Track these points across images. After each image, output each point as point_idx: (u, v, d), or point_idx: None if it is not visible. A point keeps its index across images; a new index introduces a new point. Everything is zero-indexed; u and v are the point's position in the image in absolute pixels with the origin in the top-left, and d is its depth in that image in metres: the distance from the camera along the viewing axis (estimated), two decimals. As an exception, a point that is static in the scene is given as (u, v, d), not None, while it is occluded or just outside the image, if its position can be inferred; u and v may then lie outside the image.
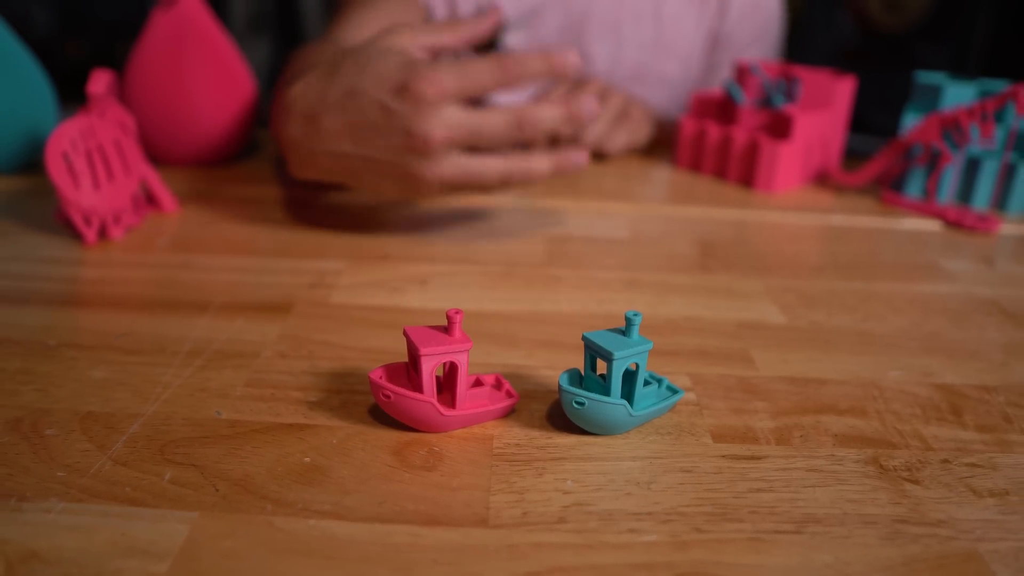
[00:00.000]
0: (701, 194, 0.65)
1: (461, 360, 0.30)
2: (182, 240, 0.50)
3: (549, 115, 0.44)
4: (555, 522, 0.26)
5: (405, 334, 0.30)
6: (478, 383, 0.32)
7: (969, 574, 0.24)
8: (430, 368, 0.29)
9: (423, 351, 0.29)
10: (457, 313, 0.29)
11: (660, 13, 0.89)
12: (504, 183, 0.46)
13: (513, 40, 0.87)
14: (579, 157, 0.48)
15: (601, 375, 0.31)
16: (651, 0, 0.89)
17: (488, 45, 0.88)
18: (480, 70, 0.43)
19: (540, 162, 0.46)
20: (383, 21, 0.75)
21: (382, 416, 0.31)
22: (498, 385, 0.33)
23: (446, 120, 0.42)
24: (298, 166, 0.49)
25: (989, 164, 0.63)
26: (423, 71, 0.42)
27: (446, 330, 0.30)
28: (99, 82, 0.51)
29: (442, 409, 0.29)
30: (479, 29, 0.50)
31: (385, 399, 0.29)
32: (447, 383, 0.31)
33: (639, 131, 0.75)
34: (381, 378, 0.30)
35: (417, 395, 0.29)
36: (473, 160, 0.45)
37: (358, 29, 0.72)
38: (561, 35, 0.89)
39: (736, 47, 0.91)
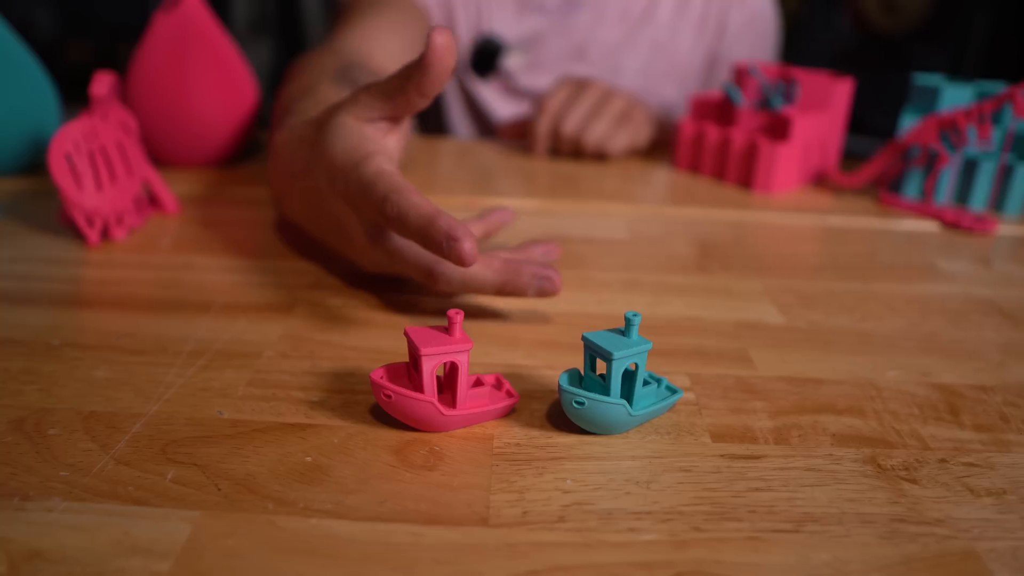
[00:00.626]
0: (700, 195, 0.65)
1: (462, 360, 0.30)
2: (184, 241, 0.50)
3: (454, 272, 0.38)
4: (555, 521, 0.26)
5: (406, 334, 0.30)
6: (478, 383, 0.32)
7: (967, 573, 0.24)
8: (431, 368, 0.29)
9: (424, 351, 0.29)
10: (457, 313, 0.29)
11: (658, 39, 0.90)
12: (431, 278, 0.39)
13: (513, 63, 0.88)
14: (505, 215, 0.48)
15: (601, 375, 0.31)
16: (649, 27, 0.89)
17: (489, 67, 0.88)
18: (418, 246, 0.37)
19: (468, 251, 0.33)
20: (384, 28, 0.75)
21: (383, 416, 0.31)
22: (498, 385, 0.33)
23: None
24: (280, 208, 0.49)
25: (986, 165, 0.63)
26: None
27: (447, 330, 0.30)
28: (102, 84, 0.51)
29: (443, 409, 0.29)
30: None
31: (386, 399, 0.29)
32: (448, 383, 0.31)
33: (640, 132, 0.75)
34: (382, 378, 0.30)
35: (418, 395, 0.29)
36: (408, 249, 0.39)
37: (360, 36, 0.72)
38: (560, 61, 0.89)
39: (733, 61, 0.91)
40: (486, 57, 0.87)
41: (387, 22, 0.76)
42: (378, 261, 0.40)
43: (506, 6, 0.87)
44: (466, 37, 0.87)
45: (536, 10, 0.87)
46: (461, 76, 0.90)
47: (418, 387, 0.29)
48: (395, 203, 0.34)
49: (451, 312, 0.29)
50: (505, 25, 0.87)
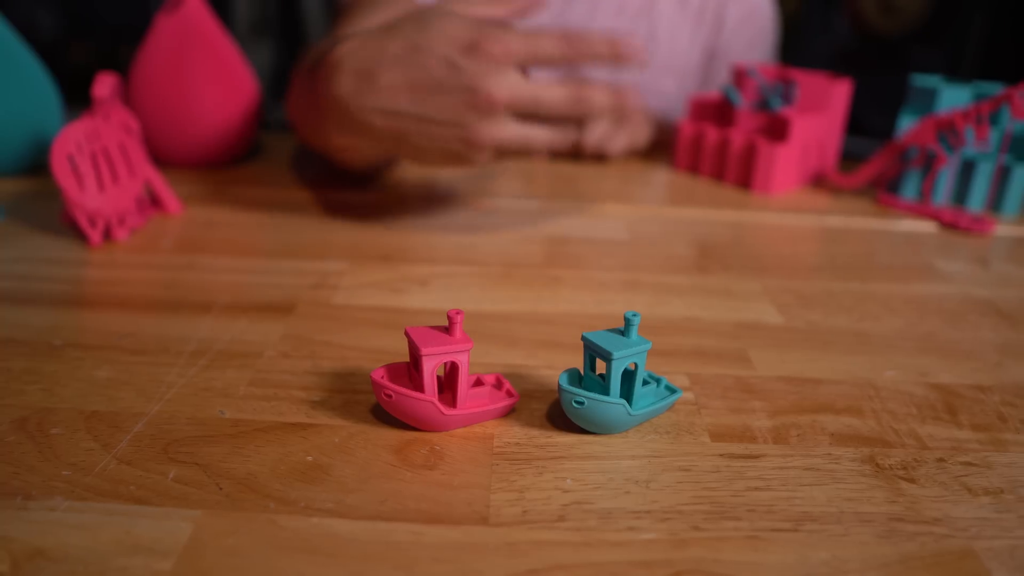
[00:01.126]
0: (699, 196, 0.65)
1: (462, 360, 0.30)
2: (186, 241, 0.50)
3: (602, 99, 0.45)
4: (555, 520, 0.26)
5: (406, 334, 0.30)
6: (479, 383, 0.32)
7: (964, 571, 0.24)
8: (431, 368, 0.29)
9: (424, 351, 0.29)
10: (458, 313, 0.29)
11: (656, 32, 0.90)
12: (552, 148, 0.46)
13: None
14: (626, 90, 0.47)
15: (600, 375, 0.31)
16: (647, 20, 0.89)
17: None
18: (547, 41, 0.43)
19: (599, 95, 0.45)
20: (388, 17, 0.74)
21: (384, 415, 0.31)
22: (498, 385, 0.33)
23: (511, 83, 0.42)
24: (341, 126, 0.47)
25: (984, 166, 0.63)
26: (493, 32, 0.42)
27: (447, 330, 0.30)
28: (104, 85, 0.51)
29: (443, 408, 0.29)
30: (524, 4, 0.50)
31: (387, 398, 0.29)
32: (448, 383, 0.31)
33: (639, 133, 0.75)
34: (383, 378, 0.30)
35: (418, 394, 0.29)
36: (527, 127, 0.45)
37: (365, 25, 0.72)
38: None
39: (731, 58, 0.91)
40: None
41: (391, 11, 0.75)
42: (483, 137, 0.43)
43: None
44: None
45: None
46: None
47: (418, 387, 0.29)
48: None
49: (451, 312, 0.29)
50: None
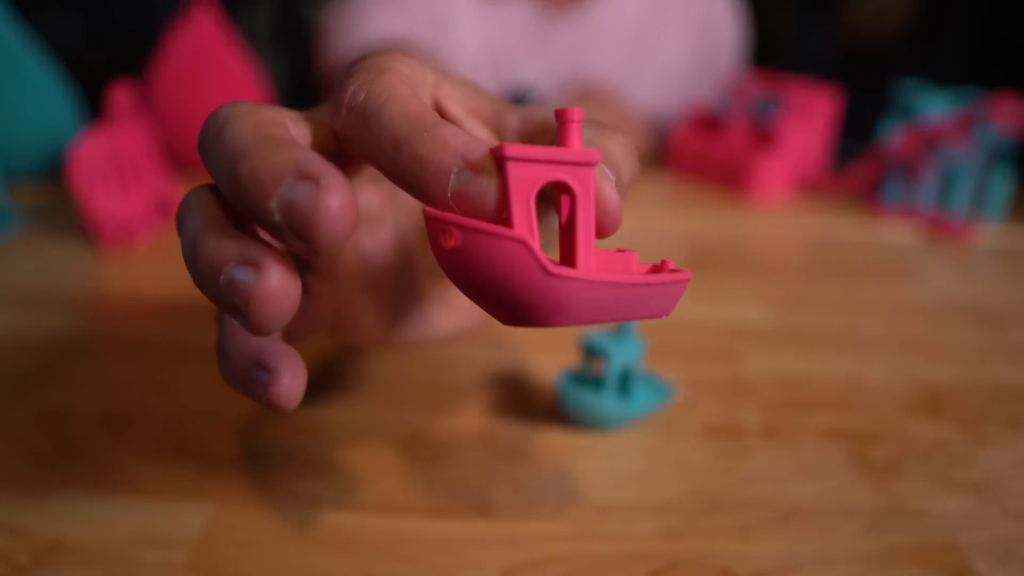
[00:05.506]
0: (692, 201, 0.65)
1: (584, 183, 0.16)
2: (199, 245, 0.50)
3: None
4: (553, 514, 0.26)
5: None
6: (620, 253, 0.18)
7: (948, 563, 0.24)
8: (522, 184, 0.15)
9: (508, 152, 0.15)
10: (575, 112, 0.16)
11: (656, 50, 0.90)
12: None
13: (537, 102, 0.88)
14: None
15: (598, 374, 0.31)
16: (648, 40, 0.89)
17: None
18: None
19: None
20: None
21: (392, 410, 0.31)
22: (657, 270, 0.19)
23: None
24: None
25: (967, 172, 0.63)
26: None
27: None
28: (121, 94, 0.51)
29: (548, 264, 0.15)
30: None
31: (448, 246, 0.15)
32: (564, 237, 0.17)
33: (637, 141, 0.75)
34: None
35: (502, 230, 0.15)
36: None
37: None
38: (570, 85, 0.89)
39: (719, 69, 0.92)
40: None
41: None
42: None
43: (523, 49, 0.86)
44: (494, 89, 0.86)
45: (545, 42, 0.87)
46: None
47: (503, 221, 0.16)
48: None
49: (559, 111, 0.17)
50: (523, 66, 0.86)
